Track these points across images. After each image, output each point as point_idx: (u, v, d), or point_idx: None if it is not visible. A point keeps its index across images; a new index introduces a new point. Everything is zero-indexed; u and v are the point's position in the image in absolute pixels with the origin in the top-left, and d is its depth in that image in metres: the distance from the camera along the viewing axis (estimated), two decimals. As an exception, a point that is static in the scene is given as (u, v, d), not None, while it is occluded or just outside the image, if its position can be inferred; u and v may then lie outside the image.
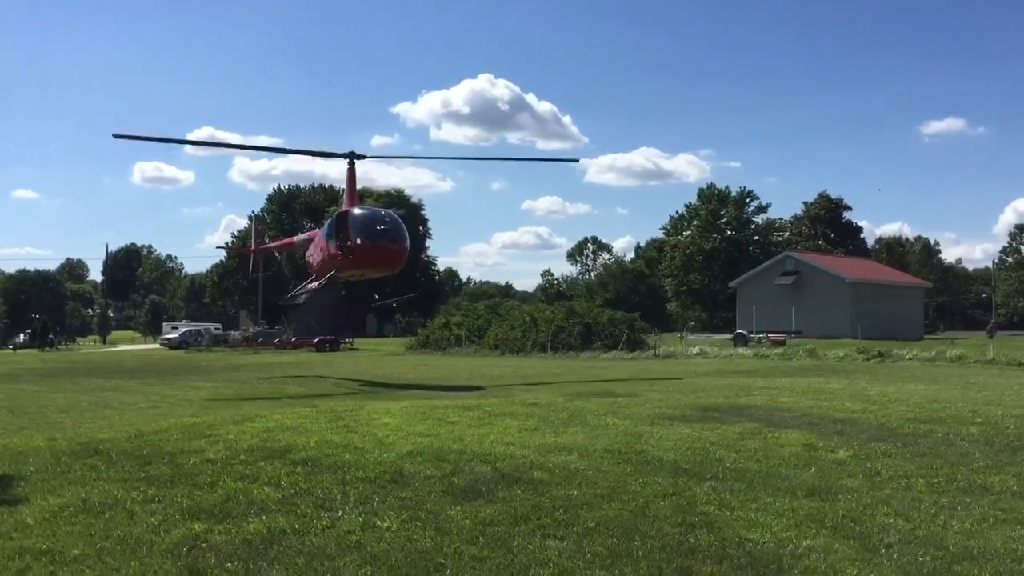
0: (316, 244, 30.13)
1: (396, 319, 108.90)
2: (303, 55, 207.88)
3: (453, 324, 52.89)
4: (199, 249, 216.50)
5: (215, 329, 73.77)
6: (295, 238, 38.93)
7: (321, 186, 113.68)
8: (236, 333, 72.59)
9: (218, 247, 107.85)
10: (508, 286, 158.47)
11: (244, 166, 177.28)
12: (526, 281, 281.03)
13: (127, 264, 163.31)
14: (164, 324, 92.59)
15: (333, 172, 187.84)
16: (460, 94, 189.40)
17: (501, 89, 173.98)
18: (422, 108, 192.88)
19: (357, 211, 27.07)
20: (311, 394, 21.17)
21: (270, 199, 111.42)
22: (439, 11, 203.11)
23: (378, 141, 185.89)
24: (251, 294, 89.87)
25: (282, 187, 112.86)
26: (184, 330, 70.65)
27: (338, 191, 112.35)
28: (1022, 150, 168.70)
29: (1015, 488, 8.52)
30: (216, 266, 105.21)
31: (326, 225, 28.92)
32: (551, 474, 9.03)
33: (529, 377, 26.91)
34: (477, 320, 51.84)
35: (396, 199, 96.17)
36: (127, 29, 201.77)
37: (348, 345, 59.67)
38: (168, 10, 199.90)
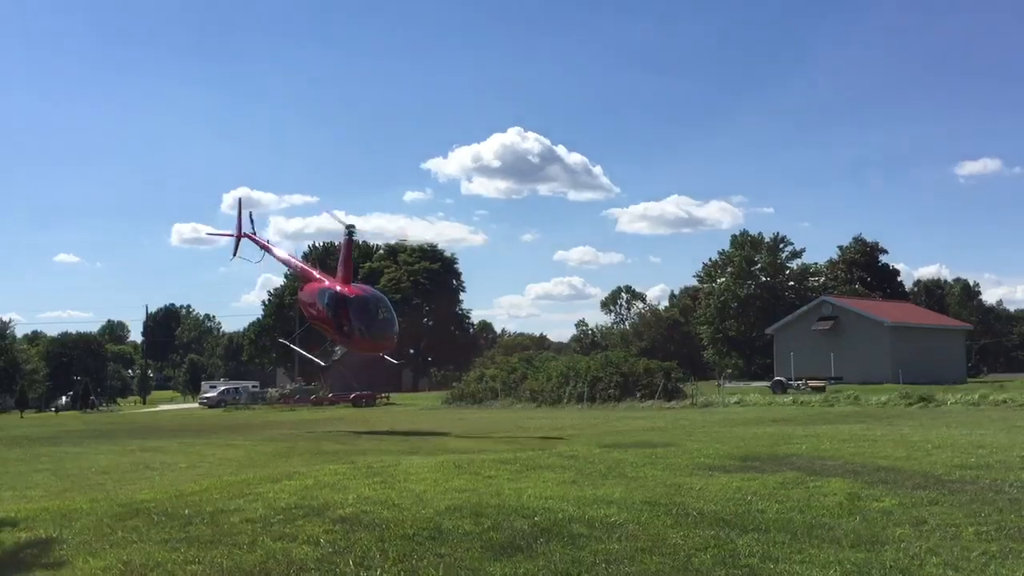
0: (312, 302, 32.17)
1: (431, 373, 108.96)
2: (335, 113, 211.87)
3: (488, 377, 52.85)
4: (236, 308, 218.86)
5: (252, 387, 74.36)
6: (295, 261, 40.35)
7: (357, 243, 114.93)
8: (273, 390, 73.07)
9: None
10: (543, 337, 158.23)
11: (279, 225, 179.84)
12: (560, 331, 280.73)
13: (166, 324, 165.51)
14: (202, 383, 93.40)
15: (367, 227, 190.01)
16: (491, 148, 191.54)
17: (531, 142, 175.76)
18: (453, 163, 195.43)
19: (357, 299, 29.49)
20: (348, 450, 21.19)
21: (305, 256, 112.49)
22: (467, 66, 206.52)
23: (410, 196, 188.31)
24: (288, 351, 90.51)
25: (317, 244, 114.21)
26: (222, 388, 71.30)
27: (372, 247, 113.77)
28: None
29: (1068, 535, 8.30)
30: (253, 324, 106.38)
31: (326, 296, 30.91)
32: (590, 528, 8.94)
33: (566, 428, 26.75)
34: (512, 372, 51.76)
35: (430, 253, 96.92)
36: (162, 90, 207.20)
37: (384, 400, 59.78)
38: (201, 70, 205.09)
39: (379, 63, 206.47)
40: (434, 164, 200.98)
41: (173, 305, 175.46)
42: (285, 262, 39.15)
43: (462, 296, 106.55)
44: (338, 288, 30.57)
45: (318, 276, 34.29)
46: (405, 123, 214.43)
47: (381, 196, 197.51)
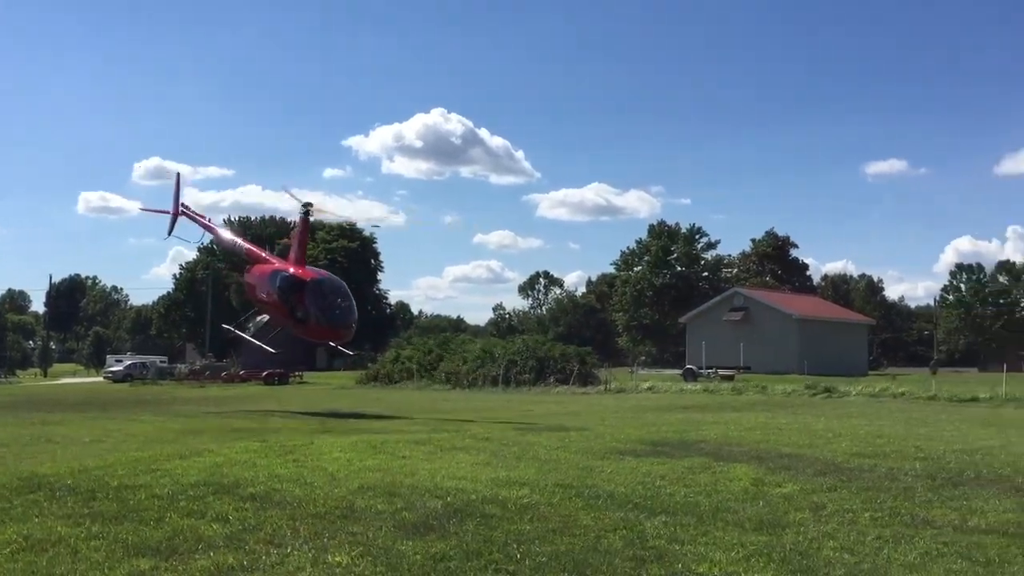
0: (263, 285, 29.18)
1: (344, 353, 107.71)
2: (254, 86, 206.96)
3: (404, 358, 52.69)
4: (145, 281, 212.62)
5: (161, 362, 72.52)
6: (220, 231, 38.03)
7: (272, 218, 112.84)
8: (183, 366, 71.40)
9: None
10: (459, 320, 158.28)
11: (193, 197, 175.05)
12: (478, 315, 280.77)
13: (71, 295, 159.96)
14: (108, 357, 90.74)
15: (283, 205, 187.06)
16: (413, 128, 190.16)
17: (454, 123, 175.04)
18: (374, 141, 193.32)
19: (313, 285, 26.90)
20: (260, 428, 20.88)
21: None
22: (392, 45, 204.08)
23: (330, 173, 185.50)
24: (198, 326, 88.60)
25: (232, 219, 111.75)
26: (129, 363, 69.34)
27: (290, 224, 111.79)
28: (961, 191, 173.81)
29: (956, 522, 8.72)
30: (163, 298, 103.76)
31: (277, 279, 28.05)
32: (503, 508, 9.03)
33: (481, 411, 26.87)
34: (428, 354, 51.70)
35: (348, 232, 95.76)
36: (75, 58, 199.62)
37: (297, 379, 59.02)
38: (114, 39, 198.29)
39: (301, 36, 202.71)
40: (355, 142, 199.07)
41: (78, 276, 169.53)
42: (230, 243, 36.75)
43: (380, 276, 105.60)
44: (292, 271, 27.97)
45: (267, 258, 31.92)
46: (326, 99, 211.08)
47: (300, 172, 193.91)
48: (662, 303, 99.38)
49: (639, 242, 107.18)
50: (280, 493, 9.70)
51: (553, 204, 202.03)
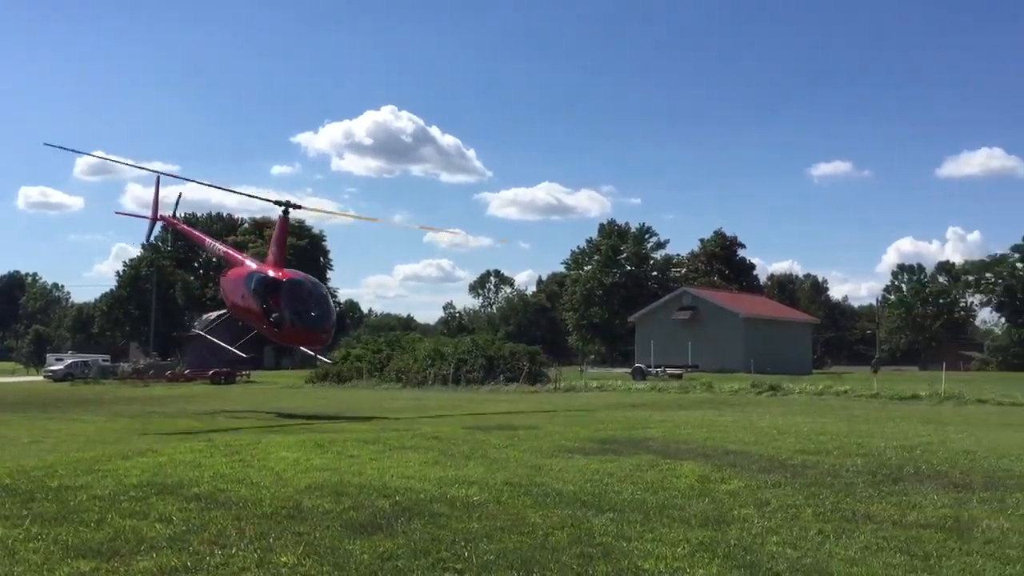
0: (237, 288, 27.60)
1: (295, 351, 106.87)
2: (201, 81, 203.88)
3: (354, 356, 52.33)
4: (88, 278, 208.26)
5: (103, 361, 71.04)
6: (207, 239, 36.06)
7: (219, 215, 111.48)
8: (126, 365, 70.05)
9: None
10: (410, 318, 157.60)
11: (137, 192, 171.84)
12: (428, 313, 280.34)
13: (9, 292, 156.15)
14: (48, 355, 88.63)
15: (230, 201, 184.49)
16: (363, 125, 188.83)
17: (405, 121, 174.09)
18: (324, 138, 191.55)
19: (289, 285, 25.48)
20: (205, 428, 20.59)
21: (165, 227, 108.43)
22: (343, 41, 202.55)
23: (278, 170, 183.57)
24: (142, 324, 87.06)
25: (178, 215, 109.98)
26: (70, 362, 67.81)
27: (236, 220, 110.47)
28: (904, 193, 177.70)
29: (895, 517, 8.91)
30: (106, 295, 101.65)
31: (253, 280, 26.52)
32: (451, 507, 9.03)
33: (430, 410, 26.80)
34: (378, 352, 51.41)
35: (297, 229, 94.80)
36: (16, 50, 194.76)
37: (244, 378, 58.29)
38: (59, 33, 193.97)
39: (249, 31, 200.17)
40: (304, 138, 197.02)
41: (18, 272, 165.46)
42: (210, 248, 34.61)
43: (329, 274, 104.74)
44: (269, 272, 26.50)
45: (245, 260, 30.13)
46: (275, 95, 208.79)
47: (248, 168, 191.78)
48: (612, 302, 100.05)
49: (589, 241, 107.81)
50: (225, 493, 9.59)
51: (504, 203, 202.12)
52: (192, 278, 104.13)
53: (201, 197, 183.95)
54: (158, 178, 36.77)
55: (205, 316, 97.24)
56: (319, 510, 8.77)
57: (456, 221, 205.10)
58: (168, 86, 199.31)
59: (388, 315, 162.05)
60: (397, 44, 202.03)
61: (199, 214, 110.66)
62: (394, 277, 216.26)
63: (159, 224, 36.89)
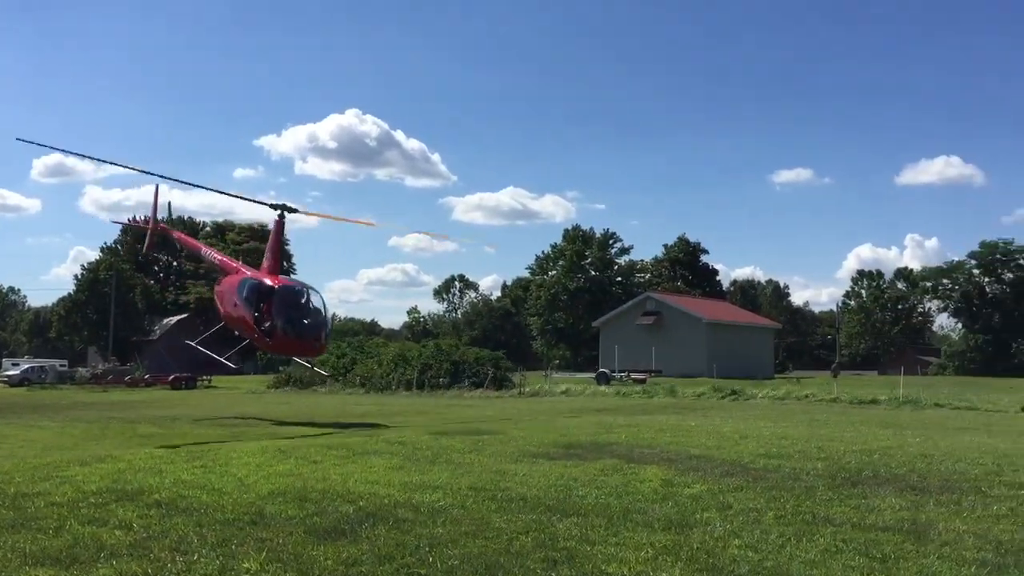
0: (230, 296, 26.45)
1: (257, 356, 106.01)
2: (161, 82, 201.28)
3: (318, 362, 52.00)
4: (45, 282, 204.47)
5: (60, 366, 69.88)
6: (203, 248, 34.49)
7: (180, 218, 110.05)
8: (84, 370, 69.00)
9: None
10: (374, 323, 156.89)
11: (95, 195, 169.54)
12: (392, 318, 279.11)
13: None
14: (4, 360, 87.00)
15: (190, 204, 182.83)
16: (327, 129, 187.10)
17: (369, 125, 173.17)
18: (287, 141, 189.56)
19: (282, 292, 24.48)
20: (166, 433, 20.35)
21: (124, 231, 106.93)
22: (306, 43, 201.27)
23: (241, 173, 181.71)
24: (101, 329, 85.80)
25: (136, 218, 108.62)
26: (26, 367, 66.57)
27: (198, 224, 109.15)
28: (863, 200, 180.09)
29: (854, 520, 9.04)
30: (63, 299, 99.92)
31: (245, 287, 25.49)
32: (416, 512, 9.01)
33: (394, 415, 26.71)
34: (342, 358, 51.16)
35: (260, 232, 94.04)
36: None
37: (205, 383, 57.69)
38: (15, 32, 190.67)
39: (212, 31, 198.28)
40: (267, 141, 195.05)
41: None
42: (206, 257, 33.19)
43: (292, 278, 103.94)
44: (261, 279, 25.48)
45: (240, 268, 28.85)
46: (237, 97, 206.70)
47: (209, 171, 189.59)
48: (576, 307, 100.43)
49: (554, 246, 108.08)
50: (187, 499, 9.50)
51: (469, 208, 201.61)
52: (152, 282, 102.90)
53: (161, 200, 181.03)
54: (157, 187, 35.62)
55: (166, 321, 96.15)
56: (282, 516, 8.71)
57: (421, 225, 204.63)
58: (127, 87, 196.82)
59: (352, 320, 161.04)
60: (361, 48, 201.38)
61: (160, 217, 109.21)
62: (358, 281, 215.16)
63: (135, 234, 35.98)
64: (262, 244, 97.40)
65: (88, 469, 11.73)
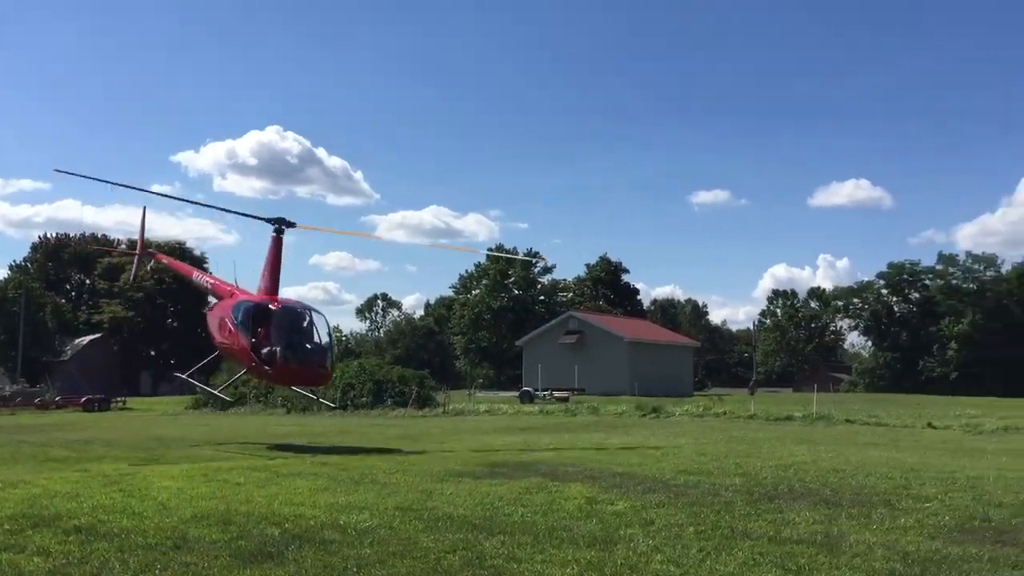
0: (223, 321, 24.26)
1: (174, 377, 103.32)
2: (75, 93, 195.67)
3: (238, 381, 51.00)
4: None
5: (-37, 388, 67.07)
6: (195, 272, 31.81)
7: (94, 235, 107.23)
8: (-10, 392, 66.33)
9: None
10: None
11: (2, 211, 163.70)
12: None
13: None
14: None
15: (105, 221, 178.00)
16: (247, 145, 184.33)
17: (290, 142, 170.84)
18: (205, 157, 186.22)
19: (282, 314, 22.32)
20: (80, 457, 19.74)
21: (35, 248, 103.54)
22: (226, 57, 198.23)
23: (157, 190, 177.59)
24: (9, 349, 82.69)
25: (48, 235, 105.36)
26: (-74, 389, 63.75)
27: (113, 241, 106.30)
28: (778, 221, 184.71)
29: (771, 533, 9.35)
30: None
31: (240, 310, 23.28)
32: (342, 533, 9.01)
33: (317, 436, 26.42)
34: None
35: (177, 250, 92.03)
36: None
37: (120, 404, 56.06)
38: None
39: (128, 42, 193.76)
40: (184, 157, 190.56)
41: None
42: (197, 281, 30.96)
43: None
44: (259, 301, 23.20)
45: (234, 291, 26.28)
46: (154, 110, 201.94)
47: (125, 187, 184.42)
48: (500, 326, 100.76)
49: (477, 265, 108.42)
50: (106, 524, 9.32)
51: (391, 226, 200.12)
52: (64, 301, 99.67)
53: (73, 216, 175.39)
54: (144, 209, 32.81)
55: (77, 341, 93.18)
56: (206, 540, 8.62)
57: (342, 243, 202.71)
58: (38, 97, 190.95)
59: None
60: (283, 64, 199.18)
61: (72, 234, 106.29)
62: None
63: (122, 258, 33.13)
64: (183, 261, 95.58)
65: (1, 494, 11.39)
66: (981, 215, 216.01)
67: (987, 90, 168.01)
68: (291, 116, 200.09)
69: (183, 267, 31.10)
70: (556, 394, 50.90)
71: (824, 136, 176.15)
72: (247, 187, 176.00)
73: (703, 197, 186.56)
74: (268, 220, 23.87)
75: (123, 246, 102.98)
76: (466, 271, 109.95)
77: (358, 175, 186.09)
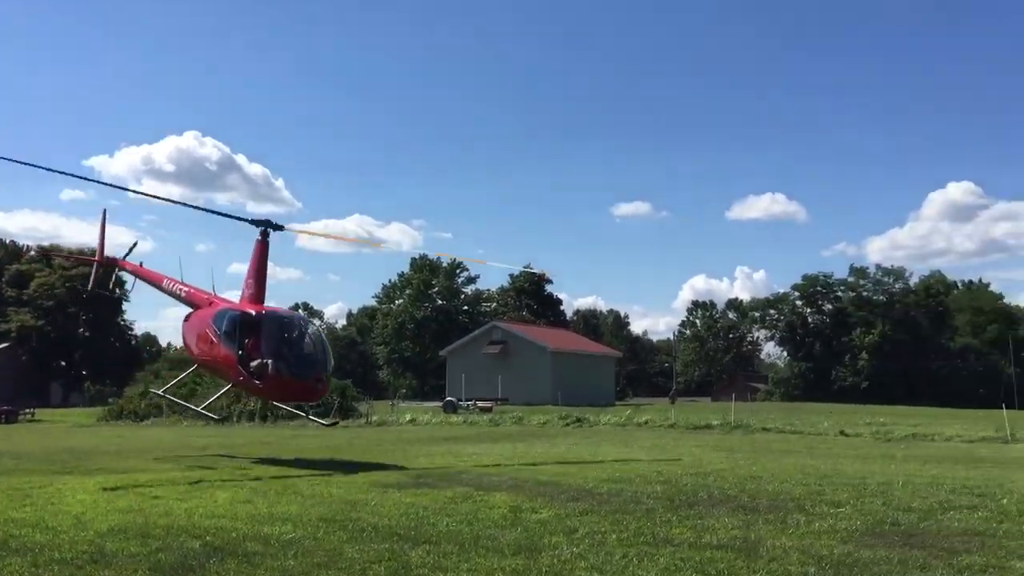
0: (204, 332, 22.31)
1: (86, 387, 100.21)
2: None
3: (154, 392, 49.81)
4: None
5: None
6: (165, 278, 27.98)
7: (1, 242, 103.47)
8: None
9: (41, 252, 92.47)
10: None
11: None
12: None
13: None
14: None
15: (11, 226, 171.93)
16: (164, 150, 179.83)
17: (209, 148, 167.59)
18: (120, 162, 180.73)
19: (272, 322, 20.50)
20: (-13, 471, 19.05)
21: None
22: (143, 58, 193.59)
23: (69, 195, 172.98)
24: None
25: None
26: None
27: (21, 247, 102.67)
28: (698, 233, 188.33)
29: (691, 539, 9.57)
30: None
31: (225, 319, 21.33)
32: (266, 545, 8.92)
33: (238, 447, 25.96)
34: (181, 388, 49.09)
35: (88, 257, 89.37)
36: None
37: (28, 416, 54.13)
38: None
39: (39, 40, 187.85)
40: (98, 162, 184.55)
41: None
42: (169, 288, 26.87)
43: (125, 306, 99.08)
44: (246, 309, 21.20)
45: (213, 299, 23.88)
46: (66, 112, 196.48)
47: (34, 191, 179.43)
48: (423, 336, 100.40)
49: (401, 275, 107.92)
50: (18, 539, 9.05)
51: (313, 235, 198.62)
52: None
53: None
54: (104, 212, 29.76)
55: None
56: (124, 554, 8.44)
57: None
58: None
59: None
60: (202, 68, 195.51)
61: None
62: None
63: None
64: (88, 268, 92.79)
65: (-97, 511, 10.94)
66: (890, 229, 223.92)
67: (896, 108, 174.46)
68: (210, 122, 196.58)
69: (151, 274, 28.49)
70: (480, 404, 50.91)
71: (742, 151, 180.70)
72: (164, 193, 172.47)
73: (625, 209, 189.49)
74: (254, 222, 22.23)
75: (32, 252, 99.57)
76: (389, 281, 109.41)
77: (279, 183, 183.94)
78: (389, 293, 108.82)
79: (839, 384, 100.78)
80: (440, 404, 54.04)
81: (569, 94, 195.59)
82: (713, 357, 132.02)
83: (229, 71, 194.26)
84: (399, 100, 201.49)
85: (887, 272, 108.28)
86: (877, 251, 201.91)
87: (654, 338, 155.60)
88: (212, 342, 21.42)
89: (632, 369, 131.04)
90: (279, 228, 22.55)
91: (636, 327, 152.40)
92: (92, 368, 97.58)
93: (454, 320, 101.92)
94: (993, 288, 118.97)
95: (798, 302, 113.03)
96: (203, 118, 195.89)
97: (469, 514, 11.02)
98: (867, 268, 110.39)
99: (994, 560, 8.54)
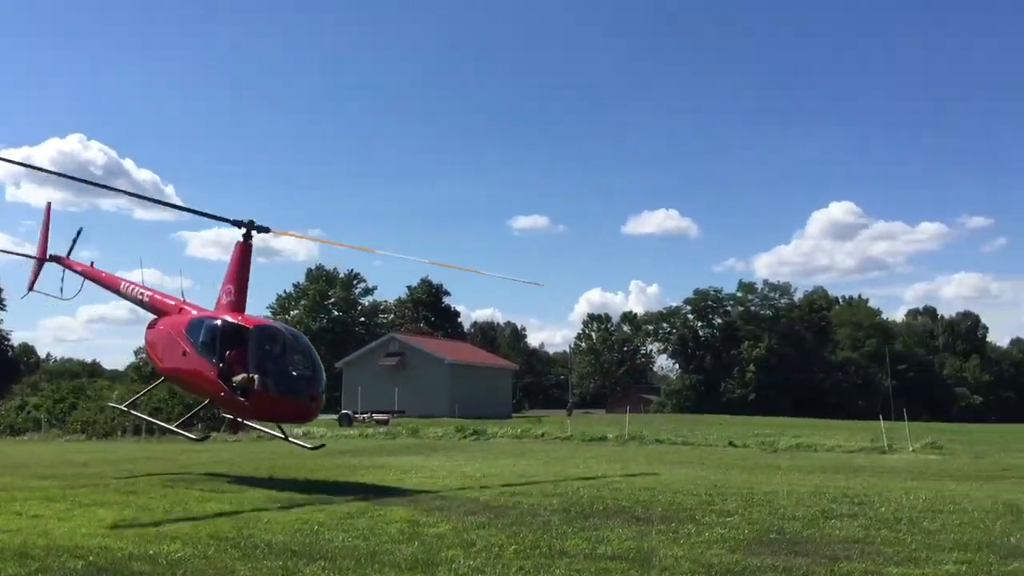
0: (174, 343, 19.81)
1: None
2: None
3: (32, 406, 47.59)
4: None
5: None
6: (123, 281, 24.16)
7: None
8: None
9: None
10: (96, 363, 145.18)
11: None
12: (117, 358, 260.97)
13: None
14: None
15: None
16: (45, 153, 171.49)
17: (95, 151, 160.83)
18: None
19: (260, 334, 18.15)
20: None
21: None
22: (23, 56, 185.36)
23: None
24: None
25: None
26: None
27: None
28: (594, 247, 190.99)
29: (587, 550, 9.69)
30: None
31: (202, 329, 19.05)
32: (153, 565, 8.63)
33: (123, 462, 25.02)
34: (60, 402, 47.10)
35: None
36: None
37: None
38: None
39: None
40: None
41: None
42: (127, 292, 23.21)
43: (1, 315, 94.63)
44: (227, 318, 18.83)
45: (182, 305, 21.21)
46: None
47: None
48: (319, 347, 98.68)
49: (296, 286, 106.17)
50: None
51: (205, 243, 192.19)
52: None
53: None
54: (48, 205, 26.42)
55: None
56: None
57: (151, 261, 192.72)
58: None
59: (70, 360, 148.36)
60: (88, 69, 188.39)
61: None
62: (77, 319, 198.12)
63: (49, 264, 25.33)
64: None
65: None
66: (777, 246, 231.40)
67: (783, 130, 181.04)
68: (96, 124, 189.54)
69: (104, 276, 25.14)
70: (376, 417, 50.48)
71: (636, 166, 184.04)
72: (43, 198, 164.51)
73: (523, 222, 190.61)
74: (236, 223, 20.00)
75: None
76: (284, 291, 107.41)
77: (169, 189, 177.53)
78: (284, 304, 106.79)
79: (728, 396, 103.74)
80: (335, 417, 53.32)
81: (468, 106, 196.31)
82: (608, 370, 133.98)
83: (116, 71, 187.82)
84: (295, 107, 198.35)
85: (774, 288, 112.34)
86: (765, 267, 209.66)
87: (551, 350, 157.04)
88: (185, 353, 19.29)
89: (529, 381, 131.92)
90: (264, 230, 20.33)
91: (533, 339, 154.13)
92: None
93: (351, 331, 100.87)
94: (872, 304, 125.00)
95: (690, 316, 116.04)
96: (88, 120, 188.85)
97: (366, 529, 10.91)
98: (755, 283, 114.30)
99: (872, 566, 8.93)
